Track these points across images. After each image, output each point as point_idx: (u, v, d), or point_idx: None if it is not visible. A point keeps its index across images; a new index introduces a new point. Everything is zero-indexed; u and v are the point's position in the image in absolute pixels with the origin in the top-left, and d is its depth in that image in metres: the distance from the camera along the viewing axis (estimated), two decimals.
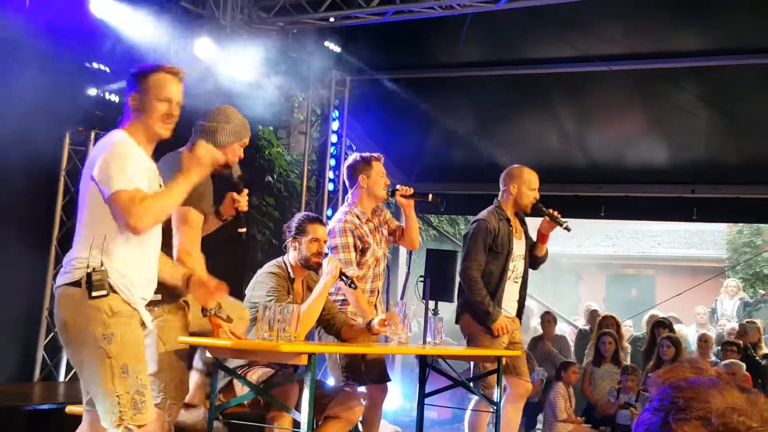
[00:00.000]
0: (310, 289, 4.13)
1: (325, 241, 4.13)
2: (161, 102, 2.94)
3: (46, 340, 6.31)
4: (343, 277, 4.06)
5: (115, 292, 2.76)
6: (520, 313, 5.24)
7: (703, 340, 7.84)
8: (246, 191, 3.71)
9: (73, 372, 6.40)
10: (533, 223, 5.28)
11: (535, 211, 5.10)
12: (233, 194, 3.70)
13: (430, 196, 4.65)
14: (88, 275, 2.74)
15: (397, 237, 4.73)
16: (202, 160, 2.98)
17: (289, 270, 4.08)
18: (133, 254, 2.85)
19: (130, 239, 2.82)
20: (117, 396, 2.70)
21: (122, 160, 2.80)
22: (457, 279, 5.25)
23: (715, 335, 9.45)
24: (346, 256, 4.43)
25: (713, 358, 7.97)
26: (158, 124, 2.95)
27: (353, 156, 4.76)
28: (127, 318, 2.79)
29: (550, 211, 5.06)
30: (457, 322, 5.14)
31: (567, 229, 5.11)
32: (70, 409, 3.96)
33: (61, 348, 6.32)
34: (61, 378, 6.33)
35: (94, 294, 2.73)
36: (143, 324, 2.89)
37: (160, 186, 2.98)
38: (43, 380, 6.26)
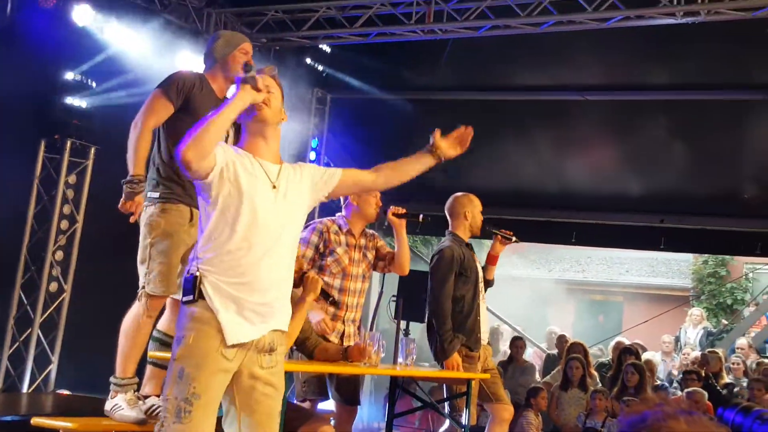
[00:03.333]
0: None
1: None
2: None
3: (11, 350, 6.21)
4: (324, 294, 4.06)
5: (203, 298, 2.64)
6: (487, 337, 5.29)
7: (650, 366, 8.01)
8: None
9: (36, 383, 6.31)
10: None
11: (485, 234, 5.19)
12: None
13: (421, 216, 4.69)
14: (184, 281, 2.68)
15: (387, 262, 4.73)
16: (246, 86, 2.76)
17: None
18: (229, 254, 2.66)
19: (225, 236, 2.66)
20: (167, 399, 2.62)
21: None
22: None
23: (678, 363, 9.58)
24: (301, 250, 4.45)
25: (675, 385, 8.10)
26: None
27: None
28: (201, 324, 2.63)
29: (502, 231, 5.17)
30: (430, 343, 5.14)
31: (516, 241, 5.22)
32: (36, 420, 3.89)
33: (25, 359, 6.25)
34: (25, 389, 6.22)
35: (183, 299, 2.68)
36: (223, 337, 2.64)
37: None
38: (6, 391, 6.15)
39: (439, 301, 4.92)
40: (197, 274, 2.65)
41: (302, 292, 3.94)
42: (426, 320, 5.15)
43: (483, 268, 5.30)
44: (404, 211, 4.61)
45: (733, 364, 8.32)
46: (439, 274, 4.96)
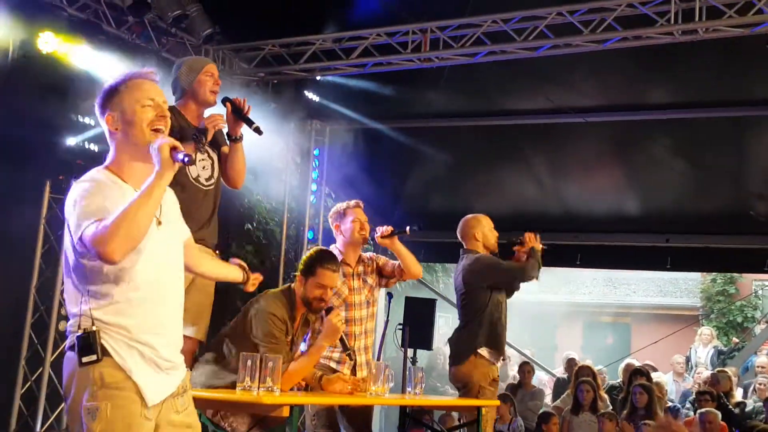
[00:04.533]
0: (306, 324, 4.07)
1: (332, 288, 3.98)
2: (144, 108, 2.44)
3: (23, 390, 6.20)
4: (342, 344, 4.05)
5: (108, 355, 2.30)
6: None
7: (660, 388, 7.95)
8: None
9: (49, 422, 6.30)
10: None
11: (509, 244, 5.25)
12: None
13: (408, 229, 4.80)
14: (78, 338, 2.31)
15: (397, 274, 4.77)
16: (164, 149, 2.32)
17: (294, 302, 3.93)
18: (140, 305, 2.36)
19: (127, 290, 2.34)
20: None
21: (85, 197, 2.31)
22: (436, 327, 5.29)
23: (691, 384, 9.51)
24: None
25: (687, 405, 8.03)
26: (148, 133, 2.41)
27: (335, 206, 4.87)
28: (115, 390, 2.30)
29: (520, 239, 5.22)
30: (452, 365, 5.12)
31: (544, 247, 5.23)
32: None
33: (37, 398, 6.24)
34: (38, 429, 6.21)
35: (83, 360, 2.29)
36: (142, 398, 2.33)
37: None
38: (19, 431, 6.14)
39: (503, 267, 5.09)
40: (93, 329, 2.31)
41: (319, 336, 3.91)
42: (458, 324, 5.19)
43: None
44: (391, 229, 4.71)
45: (759, 384, 8.09)
46: (488, 260, 5.13)
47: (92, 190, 2.33)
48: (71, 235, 2.33)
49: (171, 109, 3.72)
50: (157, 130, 2.42)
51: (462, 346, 5.08)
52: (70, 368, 2.35)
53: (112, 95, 2.47)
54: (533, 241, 5.14)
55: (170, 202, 2.58)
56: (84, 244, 2.25)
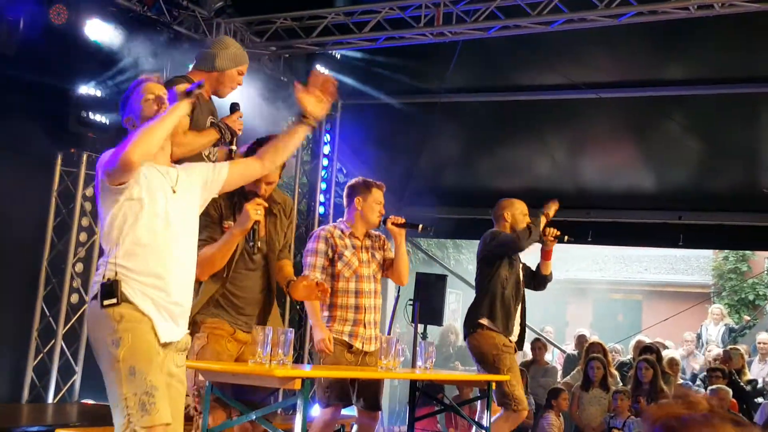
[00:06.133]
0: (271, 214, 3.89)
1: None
2: (147, 101, 2.91)
3: (35, 362, 6.27)
4: (253, 234, 3.65)
5: (128, 301, 2.72)
6: (521, 342, 5.33)
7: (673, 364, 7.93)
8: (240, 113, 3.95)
9: (61, 394, 6.37)
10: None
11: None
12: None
13: (420, 226, 4.69)
14: (102, 285, 2.72)
15: (386, 267, 4.73)
16: (177, 89, 2.94)
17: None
18: (148, 255, 2.78)
19: (142, 239, 2.77)
20: (125, 399, 2.66)
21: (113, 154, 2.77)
22: (447, 302, 5.31)
23: (701, 361, 9.50)
24: (311, 260, 4.47)
25: (698, 383, 8.03)
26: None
27: (356, 178, 4.81)
28: (135, 323, 2.73)
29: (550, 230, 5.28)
30: (465, 339, 5.22)
31: (569, 240, 5.37)
32: (61, 431, 3.94)
33: (50, 369, 6.31)
34: (50, 399, 6.28)
35: (104, 303, 2.71)
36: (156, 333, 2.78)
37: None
38: (32, 402, 6.20)
39: (498, 237, 5.18)
40: (115, 278, 2.72)
41: (234, 224, 3.63)
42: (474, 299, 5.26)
43: (538, 265, 5.48)
44: (403, 220, 4.62)
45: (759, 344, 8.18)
46: (491, 233, 5.25)
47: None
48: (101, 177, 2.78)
49: (183, 77, 3.74)
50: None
51: (468, 318, 5.24)
52: (94, 315, 2.76)
53: (127, 100, 2.97)
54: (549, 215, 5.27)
55: (183, 176, 2.98)
56: (109, 161, 2.72)
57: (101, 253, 2.85)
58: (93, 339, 2.80)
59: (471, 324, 5.15)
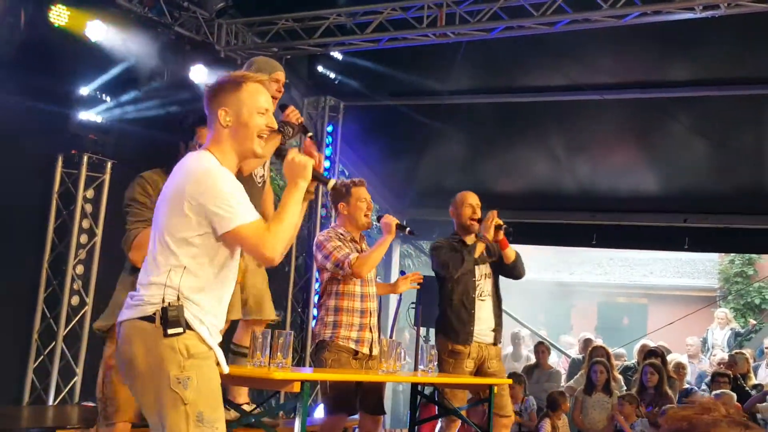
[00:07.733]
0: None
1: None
2: (260, 115, 2.61)
3: (36, 364, 6.23)
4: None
5: (191, 329, 2.46)
6: (497, 338, 5.21)
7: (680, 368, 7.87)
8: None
9: (61, 396, 6.33)
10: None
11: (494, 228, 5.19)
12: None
13: (408, 229, 4.91)
14: (164, 310, 2.44)
15: None
16: (302, 165, 2.69)
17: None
18: (213, 288, 2.55)
19: (212, 274, 2.53)
20: None
21: (231, 189, 2.50)
22: None
23: (707, 366, 9.43)
24: (333, 245, 4.40)
25: (704, 387, 7.96)
26: (257, 142, 2.62)
27: (334, 182, 4.74)
28: (202, 360, 2.48)
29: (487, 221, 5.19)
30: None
31: (506, 228, 5.21)
32: None
33: (50, 371, 6.27)
34: (51, 402, 6.25)
35: (170, 332, 2.43)
36: (218, 364, 2.56)
37: None
38: (32, 404, 6.17)
39: (439, 262, 5.14)
40: (178, 303, 2.46)
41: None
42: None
43: (500, 255, 5.27)
44: (396, 222, 4.60)
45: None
46: (438, 259, 5.18)
47: (230, 179, 2.54)
48: (198, 210, 2.47)
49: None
50: (261, 137, 2.63)
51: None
52: (146, 338, 2.45)
53: (229, 92, 2.62)
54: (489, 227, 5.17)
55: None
56: (239, 239, 2.50)
57: (149, 270, 2.54)
58: (145, 366, 2.46)
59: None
